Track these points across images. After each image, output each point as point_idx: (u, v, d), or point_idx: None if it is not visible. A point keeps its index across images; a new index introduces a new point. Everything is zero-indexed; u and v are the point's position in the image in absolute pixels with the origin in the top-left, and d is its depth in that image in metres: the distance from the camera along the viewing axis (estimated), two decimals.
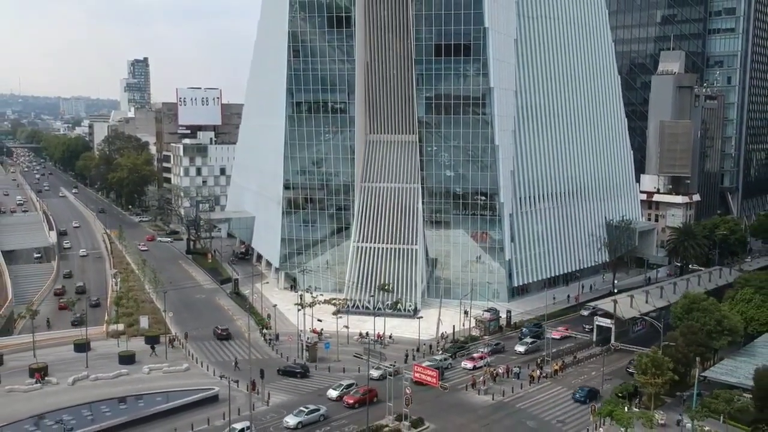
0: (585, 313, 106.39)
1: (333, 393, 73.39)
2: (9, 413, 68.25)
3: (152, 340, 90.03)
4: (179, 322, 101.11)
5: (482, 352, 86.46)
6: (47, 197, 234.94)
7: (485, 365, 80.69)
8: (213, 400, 72.06)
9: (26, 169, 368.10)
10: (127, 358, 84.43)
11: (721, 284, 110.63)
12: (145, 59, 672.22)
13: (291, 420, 65.68)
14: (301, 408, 67.47)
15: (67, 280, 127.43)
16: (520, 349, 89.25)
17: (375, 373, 74.99)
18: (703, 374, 76.57)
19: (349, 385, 74.72)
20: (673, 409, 71.60)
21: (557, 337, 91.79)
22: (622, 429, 60.15)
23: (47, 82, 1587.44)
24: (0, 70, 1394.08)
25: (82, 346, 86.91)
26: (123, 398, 73.05)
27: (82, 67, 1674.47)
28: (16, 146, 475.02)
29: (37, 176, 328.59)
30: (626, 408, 60.97)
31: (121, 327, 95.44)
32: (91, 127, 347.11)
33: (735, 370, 76.25)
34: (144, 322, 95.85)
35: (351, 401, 71.20)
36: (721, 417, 68.05)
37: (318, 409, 67.73)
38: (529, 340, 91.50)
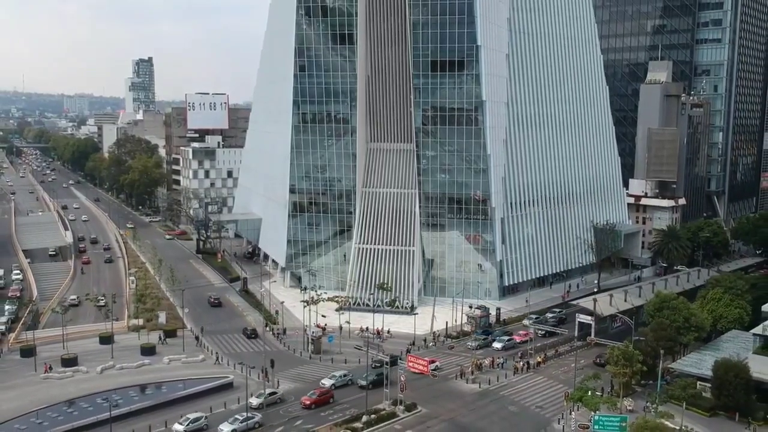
0: (527, 322, 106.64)
1: (327, 382, 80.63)
2: (46, 397, 76.60)
3: (169, 334, 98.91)
4: (194, 317, 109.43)
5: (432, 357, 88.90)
6: (57, 193, 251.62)
7: (436, 369, 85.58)
8: (228, 386, 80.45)
9: (36, 168, 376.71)
10: (148, 350, 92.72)
11: (698, 284, 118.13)
12: (150, 59, 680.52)
13: (225, 428, 68.05)
14: (236, 416, 69.64)
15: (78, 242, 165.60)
16: (498, 345, 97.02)
17: (254, 402, 74.12)
18: (670, 366, 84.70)
19: (345, 375, 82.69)
20: (642, 398, 79.55)
21: (518, 340, 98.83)
22: (591, 413, 68.14)
23: (50, 79, 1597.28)
24: (3, 67, 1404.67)
25: (106, 339, 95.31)
26: (147, 385, 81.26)
27: (84, 64, 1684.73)
28: (24, 146, 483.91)
29: (51, 178, 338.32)
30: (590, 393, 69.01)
31: (140, 322, 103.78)
32: (100, 128, 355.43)
33: (699, 363, 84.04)
34: (162, 317, 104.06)
35: (308, 402, 74.71)
36: (684, 404, 76.14)
37: (252, 417, 70.01)
38: (505, 338, 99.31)
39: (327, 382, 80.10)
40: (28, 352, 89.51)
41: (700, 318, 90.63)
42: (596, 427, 63.22)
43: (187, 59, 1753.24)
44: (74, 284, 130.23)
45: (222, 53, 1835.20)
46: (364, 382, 79.08)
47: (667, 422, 65.92)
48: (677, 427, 66.37)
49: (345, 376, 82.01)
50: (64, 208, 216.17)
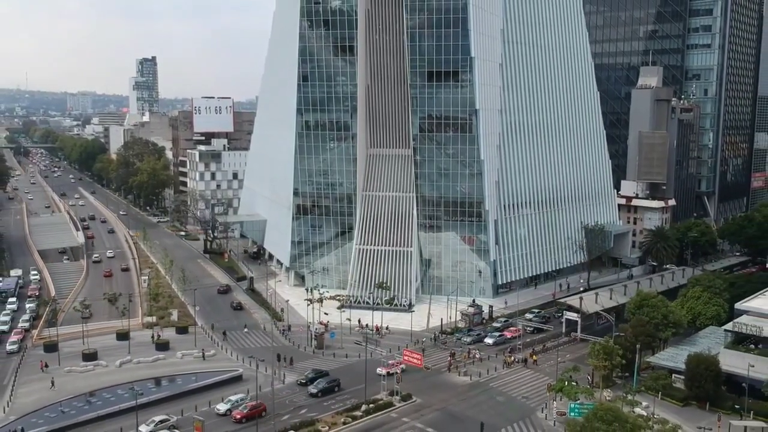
0: (497, 325, 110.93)
1: (222, 407, 76.54)
2: (72, 389, 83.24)
3: (180, 331, 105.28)
4: (204, 315, 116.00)
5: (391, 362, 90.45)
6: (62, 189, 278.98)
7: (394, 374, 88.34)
8: (238, 379, 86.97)
9: (44, 168, 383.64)
10: (162, 346, 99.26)
11: (682, 283, 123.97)
12: (153, 58, 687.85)
13: (144, 429, 71.35)
14: (153, 418, 72.61)
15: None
16: (489, 341, 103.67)
17: (144, 429, 71.68)
18: (648, 360, 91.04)
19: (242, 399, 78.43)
20: (622, 389, 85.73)
21: (508, 336, 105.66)
22: (570, 402, 74.55)
23: (52, 77, 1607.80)
24: (6, 66, 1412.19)
25: (123, 335, 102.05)
26: (163, 377, 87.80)
27: (86, 62, 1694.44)
28: (31, 146, 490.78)
29: (57, 174, 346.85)
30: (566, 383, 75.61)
31: (154, 319, 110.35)
32: (106, 129, 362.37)
33: (675, 357, 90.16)
34: (174, 315, 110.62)
35: (239, 416, 74.21)
36: (659, 394, 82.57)
37: (168, 419, 72.87)
38: (496, 333, 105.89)
39: (222, 407, 76.25)
40: (51, 347, 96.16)
41: (677, 315, 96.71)
42: (571, 414, 69.76)
43: (188, 57, 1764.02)
44: (88, 282, 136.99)
45: (223, 51, 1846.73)
46: (314, 390, 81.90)
47: (638, 409, 72.27)
48: (644, 413, 72.60)
49: (242, 400, 77.86)
50: (63, 195, 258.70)
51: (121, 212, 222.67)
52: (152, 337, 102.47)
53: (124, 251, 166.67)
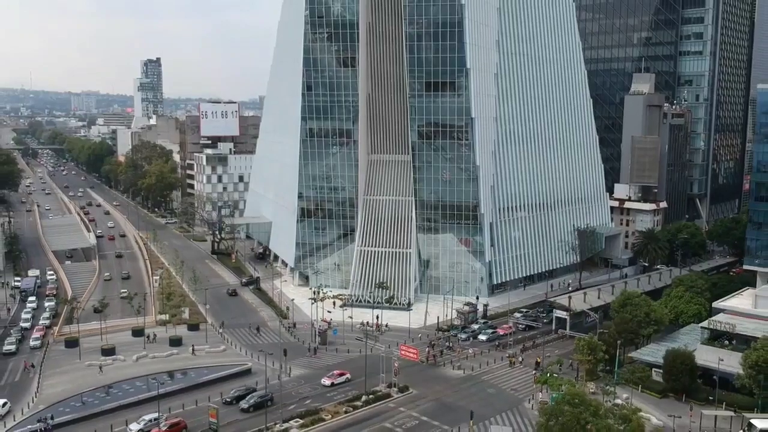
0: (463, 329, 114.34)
1: (134, 427, 75.49)
2: (92, 382, 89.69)
3: (192, 328, 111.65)
4: (213, 313, 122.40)
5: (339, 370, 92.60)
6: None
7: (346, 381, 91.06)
8: (247, 372, 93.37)
9: (51, 169, 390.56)
10: (175, 341, 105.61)
11: (669, 283, 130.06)
12: (158, 59, 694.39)
13: None
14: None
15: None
16: (483, 337, 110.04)
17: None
18: (630, 355, 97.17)
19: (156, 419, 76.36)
20: (603, 381, 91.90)
21: (501, 332, 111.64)
22: (553, 393, 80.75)
23: (56, 76, 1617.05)
24: (11, 66, 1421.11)
25: (138, 332, 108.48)
26: (177, 371, 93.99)
27: (89, 61, 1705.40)
28: (39, 147, 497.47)
29: (64, 173, 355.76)
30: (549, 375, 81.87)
31: (167, 317, 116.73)
32: (113, 131, 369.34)
33: (655, 352, 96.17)
34: (186, 312, 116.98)
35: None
36: (639, 387, 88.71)
37: None
38: (490, 331, 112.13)
39: (135, 427, 75.31)
40: (72, 343, 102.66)
41: (659, 313, 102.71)
42: (552, 403, 75.85)
43: (190, 56, 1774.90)
44: (102, 281, 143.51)
45: (225, 49, 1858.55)
46: (245, 405, 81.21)
47: (618, 400, 78.53)
48: (621, 402, 78.81)
49: (157, 419, 76.02)
50: (66, 187, 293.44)
51: (115, 204, 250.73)
52: (147, 337, 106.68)
53: (121, 227, 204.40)
